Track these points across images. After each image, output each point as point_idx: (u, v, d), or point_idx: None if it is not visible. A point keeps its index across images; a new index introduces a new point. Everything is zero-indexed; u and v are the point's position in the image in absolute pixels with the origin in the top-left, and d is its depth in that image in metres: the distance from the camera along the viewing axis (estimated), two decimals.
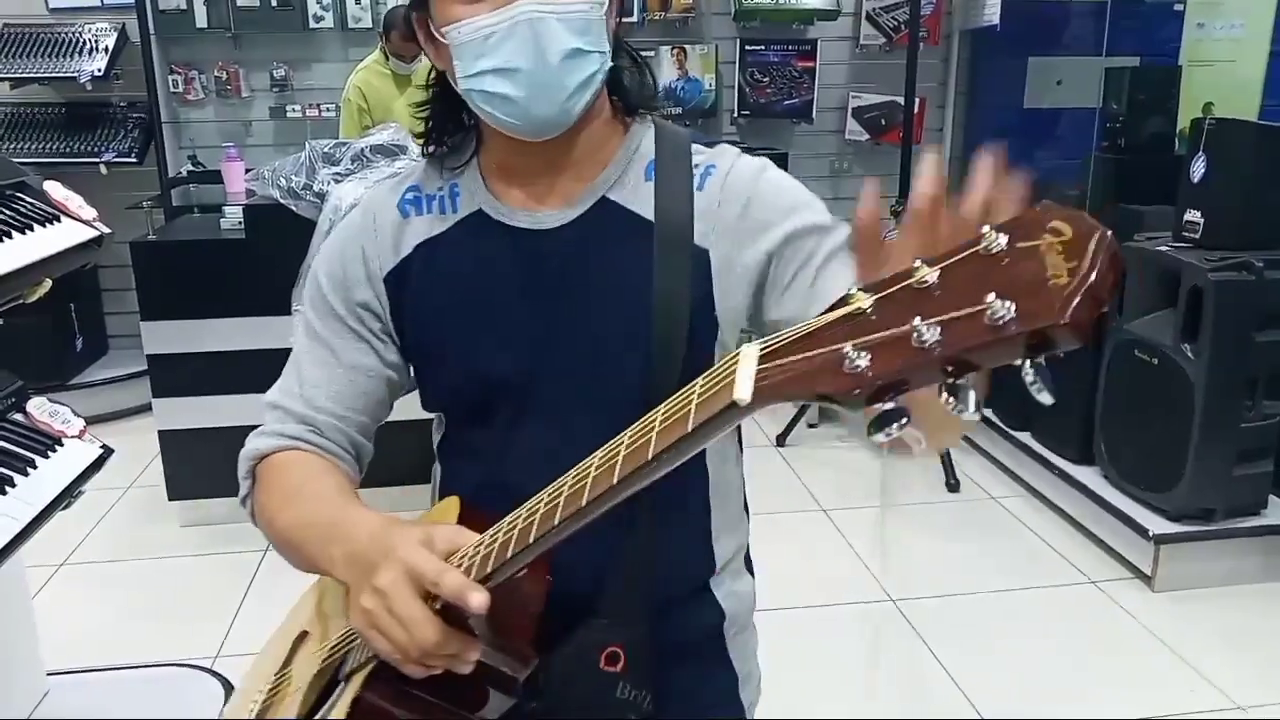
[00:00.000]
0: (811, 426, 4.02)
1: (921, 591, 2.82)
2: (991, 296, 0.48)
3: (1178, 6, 4.09)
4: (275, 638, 1.18)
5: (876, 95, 4.46)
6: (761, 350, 0.60)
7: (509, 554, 0.77)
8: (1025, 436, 3.46)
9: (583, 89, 0.93)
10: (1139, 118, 3.67)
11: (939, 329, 0.50)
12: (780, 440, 3.87)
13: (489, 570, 0.78)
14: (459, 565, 0.80)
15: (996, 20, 4.05)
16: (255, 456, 1.04)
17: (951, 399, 0.52)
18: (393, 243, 1.04)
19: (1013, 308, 0.48)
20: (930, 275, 0.52)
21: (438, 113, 1.04)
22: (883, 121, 4.47)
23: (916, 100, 3.97)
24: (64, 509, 1.55)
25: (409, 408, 1.12)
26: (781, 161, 4.09)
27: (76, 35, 4.15)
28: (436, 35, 0.95)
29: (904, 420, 0.55)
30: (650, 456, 0.66)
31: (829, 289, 0.90)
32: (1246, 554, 2.84)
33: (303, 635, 1.12)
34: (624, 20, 1.04)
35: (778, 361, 0.59)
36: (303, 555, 0.95)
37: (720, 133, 4.46)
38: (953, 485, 3.48)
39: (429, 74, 1.04)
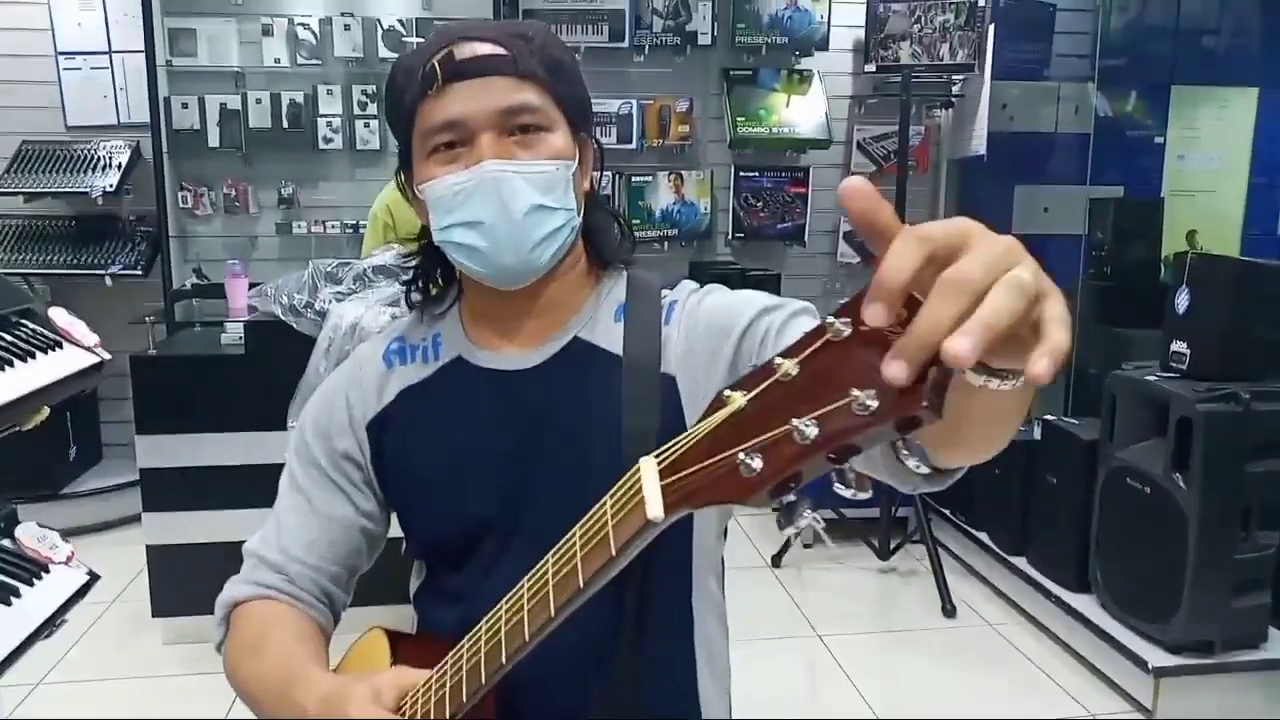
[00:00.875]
0: (807, 547, 3.98)
1: None
2: (855, 391, 0.52)
3: (1158, 139, 4.24)
4: None
5: None
6: (659, 464, 0.64)
7: (464, 697, 0.80)
8: (1021, 561, 3.43)
9: (547, 241, 0.99)
10: (1124, 246, 3.77)
11: (815, 425, 0.54)
12: (775, 561, 3.84)
13: (447, 716, 0.81)
14: (413, 710, 0.82)
15: (983, 150, 4.18)
16: (229, 604, 1.07)
17: (843, 484, 0.55)
18: (376, 391, 1.08)
19: (875, 399, 0.52)
20: (792, 369, 0.56)
21: (425, 263, 1.10)
22: None
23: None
24: (45, 638, 1.53)
25: None
26: (775, 282, 4.18)
27: (92, 152, 4.27)
28: (417, 191, 1.01)
29: (808, 509, 0.58)
30: (581, 584, 0.69)
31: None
32: (1247, 688, 2.79)
33: None
34: (627, 147, 1.10)
35: (680, 474, 0.62)
36: (258, 711, 0.98)
37: (715, 254, 4.55)
38: (948, 610, 3.43)
39: (419, 230, 1.09)
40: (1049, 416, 3.46)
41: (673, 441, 0.63)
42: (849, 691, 2.93)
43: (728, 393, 0.59)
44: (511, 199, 0.96)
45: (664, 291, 1.08)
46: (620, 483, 0.68)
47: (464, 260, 1.00)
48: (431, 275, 1.11)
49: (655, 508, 0.63)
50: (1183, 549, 2.72)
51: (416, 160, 1.01)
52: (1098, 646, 2.98)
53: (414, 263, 1.11)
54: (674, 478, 0.62)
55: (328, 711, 0.83)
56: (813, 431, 0.54)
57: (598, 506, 0.70)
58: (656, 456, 0.64)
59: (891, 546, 3.78)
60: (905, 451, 0.55)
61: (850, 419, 0.52)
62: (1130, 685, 2.85)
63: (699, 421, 0.61)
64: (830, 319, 0.55)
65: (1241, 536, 2.74)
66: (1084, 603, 3.10)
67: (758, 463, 0.56)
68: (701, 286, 1.08)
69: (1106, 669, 2.96)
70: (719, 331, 1.00)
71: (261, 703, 0.97)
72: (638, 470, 0.66)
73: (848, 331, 0.54)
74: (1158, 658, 2.77)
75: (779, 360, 0.57)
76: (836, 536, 3.94)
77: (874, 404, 0.51)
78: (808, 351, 0.56)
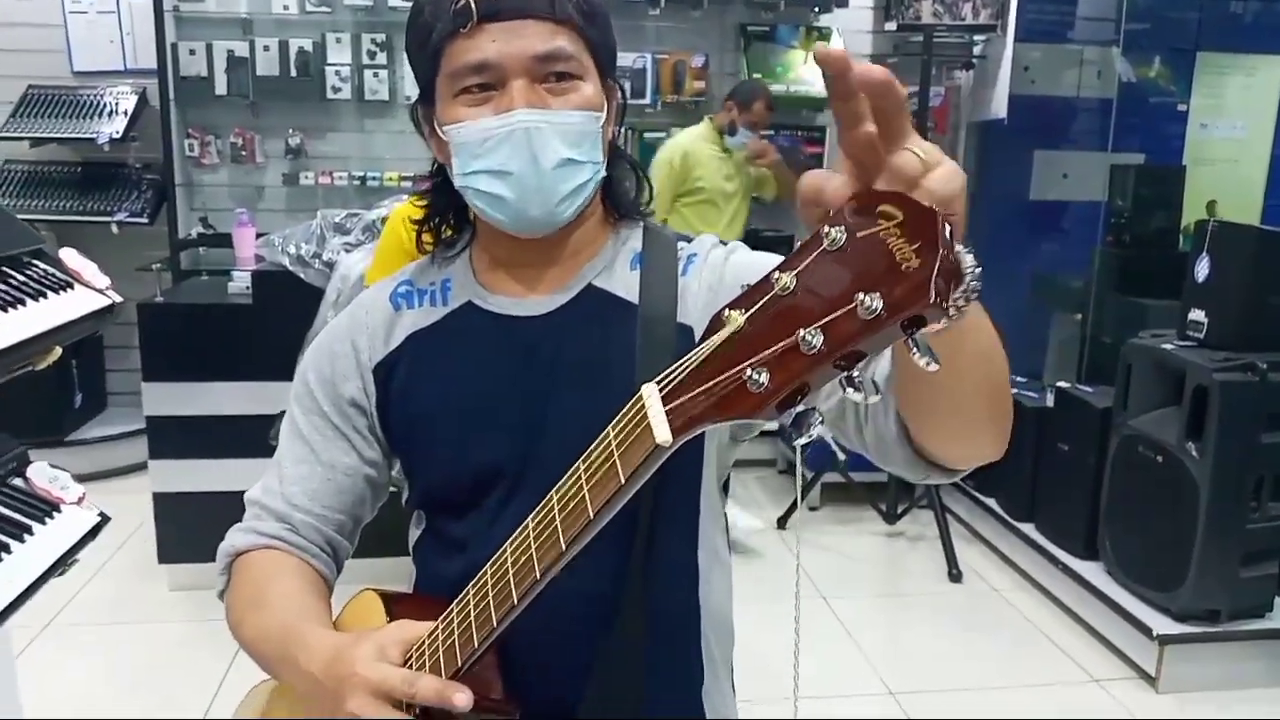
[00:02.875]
0: (813, 509, 3.99)
1: (921, 685, 2.76)
2: (858, 293, 0.52)
3: (1181, 107, 4.17)
4: None
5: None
6: (661, 389, 0.63)
7: (476, 642, 0.78)
8: (1029, 528, 3.43)
9: (573, 196, 0.96)
10: (1143, 214, 3.73)
11: (821, 333, 0.54)
12: (780, 523, 3.84)
13: (460, 664, 0.79)
14: (421, 664, 0.80)
15: (1003, 114, 4.12)
16: (231, 553, 1.05)
17: (853, 389, 0.56)
18: (384, 334, 1.05)
19: (880, 299, 0.52)
20: (790, 281, 0.56)
21: (438, 201, 1.07)
22: None
23: None
24: (58, 576, 1.52)
25: None
26: (788, 244, 4.14)
27: (98, 98, 4.22)
28: (439, 131, 0.98)
29: (818, 419, 0.59)
30: (591, 514, 0.68)
31: None
32: (1252, 657, 2.79)
33: None
34: (640, 102, 1.07)
35: (685, 396, 0.61)
36: (262, 664, 0.97)
37: None
38: (955, 575, 3.44)
39: (432, 165, 1.06)
40: (1062, 384, 3.44)
41: (673, 365, 0.62)
42: (853, 653, 2.94)
43: (727, 312, 0.59)
44: (542, 151, 0.93)
45: (681, 244, 1.05)
46: (622, 413, 0.66)
47: (485, 207, 0.97)
48: (446, 217, 1.08)
49: (662, 431, 0.62)
50: (1193, 518, 2.71)
51: (441, 99, 0.97)
52: (1103, 613, 2.99)
53: (424, 202, 1.07)
54: (678, 400, 0.62)
55: (333, 671, 0.81)
56: (818, 340, 0.54)
57: (600, 439, 0.68)
58: (658, 382, 0.63)
59: (899, 511, 3.78)
60: (915, 352, 0.54)
61: (855, 323, 0.53)
62: (1134, 652, 2.85)
63: (699, 344, 0.61)
64: (825, 228, 0.55)
65: (1253, 507, 2.73)
66: (1091, 570, 3.10)
67: (764, 377, 0.57)
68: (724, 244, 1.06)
69: (1111, 635, 2.96)
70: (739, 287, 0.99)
71: (266, 657, 0.96)
72: (640, 398, 0.64)
73: (843, 239, 0.54)
74: (1163, 625, 2.77)
75: (776, 274, 0.57)
76: (844, 500, 3.94)
77: (878, 304, 0.52)
78: (805, 263, 0.56)
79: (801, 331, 0.54)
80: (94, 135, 4.09)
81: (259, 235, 3.87)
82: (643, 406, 0.64)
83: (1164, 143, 4.14)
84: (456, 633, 0.79)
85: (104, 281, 1.66)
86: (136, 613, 3.05)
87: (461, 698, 0.76)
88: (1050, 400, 3.46)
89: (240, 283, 3.24)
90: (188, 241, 4.23)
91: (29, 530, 1.52)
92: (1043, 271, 4.31)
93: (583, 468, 0.69)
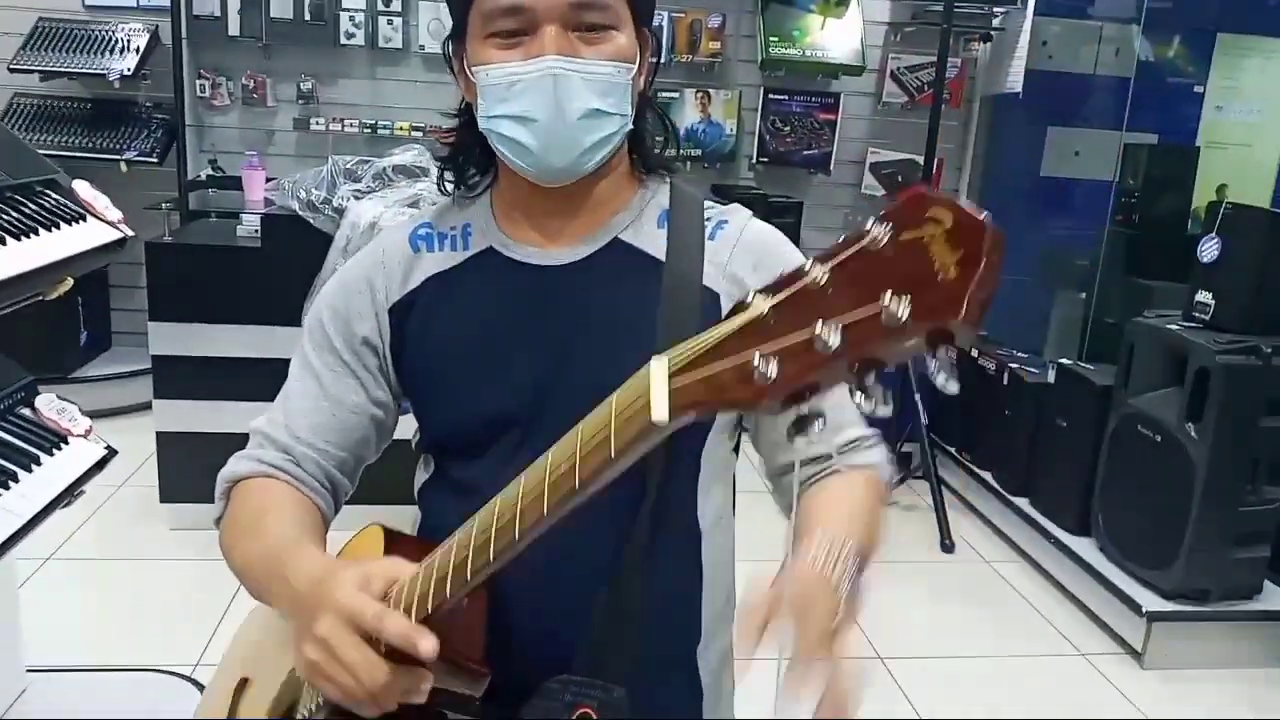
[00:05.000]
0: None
1: (908, 651, 2.80)
2: (887, 296, 0.49)
3: (1198, 88, 4.14)
4: (215, 686, 1.16)
5: (895, 153, 4.49)
6: (671, 367, 0.61)
7: (448, 592, 0.78)
8: (1023, 503, 3.45)
9: (598, 146, 0.96)
10: (1154, 194, 3.71)
11: (840, 332, 0.51)
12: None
13: (429, 610, 0.78)
14: (398, 602, 0.80)
15: (1019, 88, 4.09)
16: (231, 479, 1.05)
17: (863, 397, 0.53)
18: (402, 275, 1.05)
19: (908, 306, 0.49)
20: (822, 274, 0.53)
21: (465, 140, 1.06)
22: (899, 179, 4.51)
23: (935, 160, 4.01)
24: (64, 507, 1.54)
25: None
26: (796, 211, 4.13)
27: (109, 34, 4.18)
28: (468, 71, 0.97)
29: (822, 422, 0.57)
30: (577, 484, 0.67)
31: None
32: (1239, 638, 2.82)
33: (243, 683, 1.10)
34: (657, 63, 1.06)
35: (690, 376, 0.59)
36: (251, 588, 0.97)
37: (737, 177, 4.49)
38: (947, 546, 3.47)
39: (460, 104, 1.06)
40: (1064, 360, 3.45)
41: (687, 342, 0.60)
42: None
43: (752, 295, 0.57)
44: (568, 100, 0.92)
45: (710, 204, 1.05)
46: (628, 382, 0.65)
47: (508, 153, 0.97)
48: (470, 158, 1.07)
49: (660, 410, 0.60)
50: (1188, 498, 2.73)
51: (471, 37, 0.96)
52: (1093, 589, 3.02)
53: (451, 139, 1.07)
54: (683, 380, 0.60)
55: (315, 591, 0.81)
56: (835, 340, 0.51)
57: (605, 404, 0.67)
58: (669, 356, 0.62)
59: (895, 481, 3.81)
60: (935, 369, 0.52)
61: (877, 327, 0.50)
62: (1122, 628, 2.88)
63: (719, 324, 0.59)
64: (870, 223, 0.52)
65: (1248, 489, 2.75)
66: (1083, 545, 3.12)
67: (772, 369, 0.54)
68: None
69: (1100, 611, 2.99)
70: (757, 255, 1.02)
71: (255, 580, 0.96)
72: (647, 369, 0.63)
73: (885, 239, 0.51)
74: (1152, 602, 2.80)
75: (810, 265, 0.54)
76: None
77: (905, 312, 0.49)
78: (841, 258, 0.53)
79: (820, 327, 0.52)
80: (105, 71, 4.05)
81: (269, 179, 3.86)
82: (647, 380, 0.62)
83: (1178, 124, 4.11)
84: (434, 579, 0.78)
85: (116, 215, 1.67)
86: (137, 550, 3.08)
87: (426, 644, 0.75)
88: (1051, 376, 3.47)
89: (249, 226, 3.23)
90: (197, 183, 4.20)
91: (36, 460, 1.54)
92: (1050, 248, 4.30)
93: (581, 432, 0.69)
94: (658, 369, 0.62)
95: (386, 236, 1.09)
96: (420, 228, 1.07)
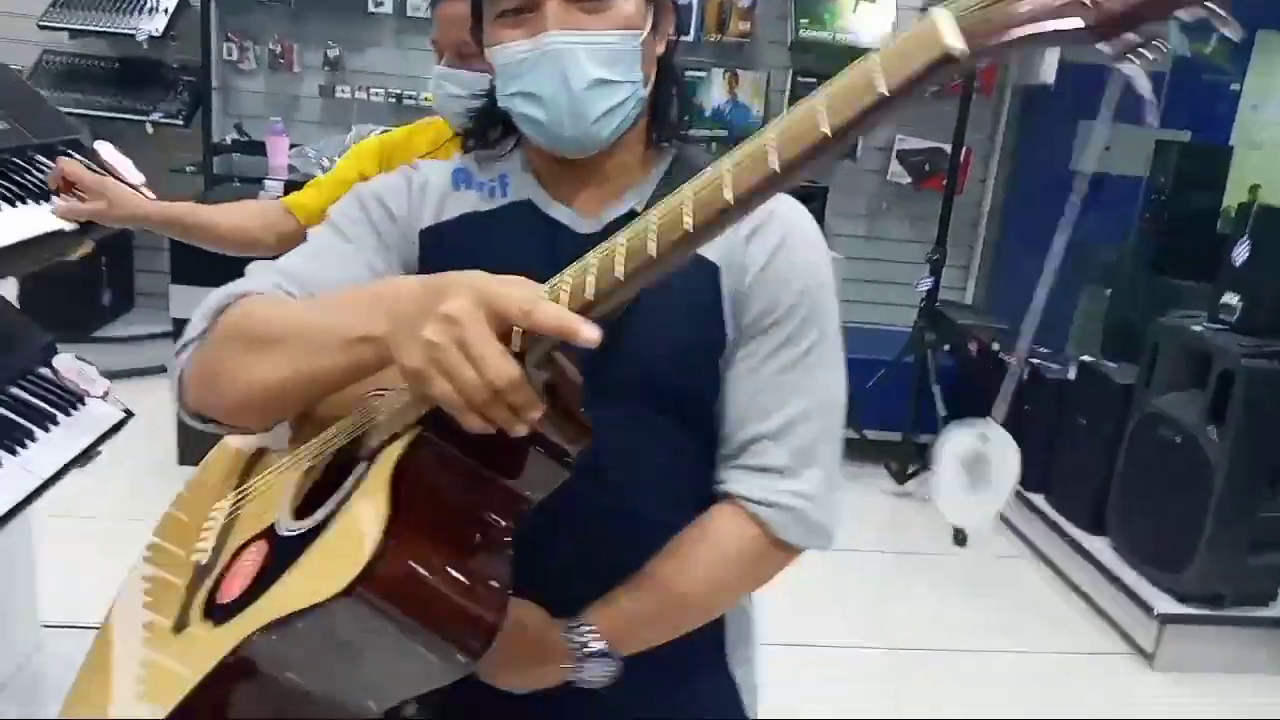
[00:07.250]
0: None
1: (917, 643, 2.79)
2: None
3: (1234, 86, 4.06)
4: (193, 486, 1.09)
5: (923, 141, 4.45)
6: (958, 11, 0.60)
7: (603, 292, 0.69)
8: (1039, 499, 3.43)
9: (610, 115, 0.96)
10: (1185, 193, 3.65)
11: None
12: None
13: (581, 304, 0.69)
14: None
15: (1051, 79, 4.03)
16: (234, 294, 0.91)
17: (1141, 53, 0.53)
18: (437, 202, 1.03)
19: None
20: None
21: (490, 111, 1.05)
22: (926, 167, 4.46)
23: (964, 149, 3.97)
24: (79, 468, 1.55)
25: None
26: (821, 197, 4.09)
27: None
28: (486, 54, 0.99)
29: (1160, 43, 0.57)
30: (732, 200, 0.65)
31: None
32: (1253, 644, 2.80)
33: (260, 453, 1.02)
34: (680, 39, 1.04)
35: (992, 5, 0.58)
36: (300, 345, 0.81)
37: None
38: (960, 540, 3.45)
39: (490, 81, 1.05)
40: (1086, 357, 3.42)
41: None
42: (851, 608, 2.97)
43: None
44: (572, 73, 0.92)
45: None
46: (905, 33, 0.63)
47: (526, 128, 0.98)
48: (495, 125, 1.06)
49: (952, 37, 0.58)
50: (1206, 502, 2.70)
51: (486, 20, 0.98)
52: (1105, 589, 3.00)
53: (474, 111, 1.06)
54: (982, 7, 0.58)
55: (436, 281, 0.72)
56: None
57: (712, 169, 0.67)
58: (952, 4, 0.60)
59: (910, 471, 3.79)
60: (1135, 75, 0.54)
61: None
62: (1133, 629, 2.87)
63: None
64: None
65: (1267, 495, 2.72)
66: (1097, 545, 3.10)
67: None
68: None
69: (1111, 611, 2.98)
70: (775, 294, 0.97)
71: (304, 334, 0.81)
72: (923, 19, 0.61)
73: None
74: (1165, 605, 2.78)
75: None
76: (855, 456, 3.94)
77: None
78: None
79: None
80: (133, 31, 4.05)
81: (292, 146, 3.86)
82: (929, 22, 0.60)
83: (1212, 122, 4.03)
84: (589, 278, 0.70)
85: (139, 178, 1.67)
86: (154, 512, 3.08)
87: (588, 330, 0.66)
88: (1072, 373, 3.44)
89: (272, 191, 3.24)
90: (221, 146, 4.21)
91: (54, 420, 1.55)
92: (1076, 243, 4.24)
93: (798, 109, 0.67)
94: (940, 11, 0.60)
95: (426, 164, 1.07)
96: (460, 169, 1.06)
